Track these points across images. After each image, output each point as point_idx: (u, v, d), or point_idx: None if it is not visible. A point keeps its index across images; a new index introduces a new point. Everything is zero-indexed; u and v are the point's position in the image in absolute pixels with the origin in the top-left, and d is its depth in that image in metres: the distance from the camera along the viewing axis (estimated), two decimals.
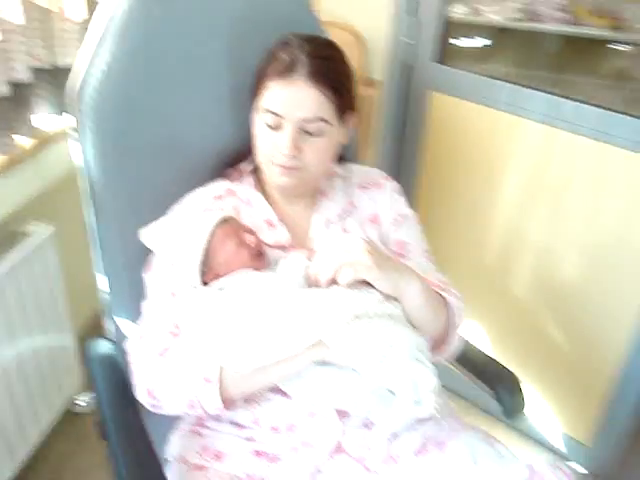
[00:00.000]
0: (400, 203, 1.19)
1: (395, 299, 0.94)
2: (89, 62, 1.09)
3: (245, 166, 1.17)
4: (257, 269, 0.97)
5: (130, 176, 1.14)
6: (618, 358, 1.67)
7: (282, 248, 1.08)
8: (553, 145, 1.63)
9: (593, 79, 2.22)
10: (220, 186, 1.13)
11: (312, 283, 0.93)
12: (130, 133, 1.12)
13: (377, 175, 1.22)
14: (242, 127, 1.20)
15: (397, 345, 0.88)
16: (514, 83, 1.66)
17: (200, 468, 0.99)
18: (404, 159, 1.96)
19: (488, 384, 1.17)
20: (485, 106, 1.71)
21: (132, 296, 1.16)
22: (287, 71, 0.99)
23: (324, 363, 0.91)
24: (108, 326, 1.24)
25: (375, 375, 0.87)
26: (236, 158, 1.19)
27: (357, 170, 1.21)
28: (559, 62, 2.27)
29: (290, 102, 0.99)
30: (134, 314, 1.17)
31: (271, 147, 1.03)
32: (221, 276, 0.97)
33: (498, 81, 1.68)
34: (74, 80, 1.10)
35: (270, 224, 1.10)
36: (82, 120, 1.10)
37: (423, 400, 0.88)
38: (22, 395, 1.53)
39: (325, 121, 1.01)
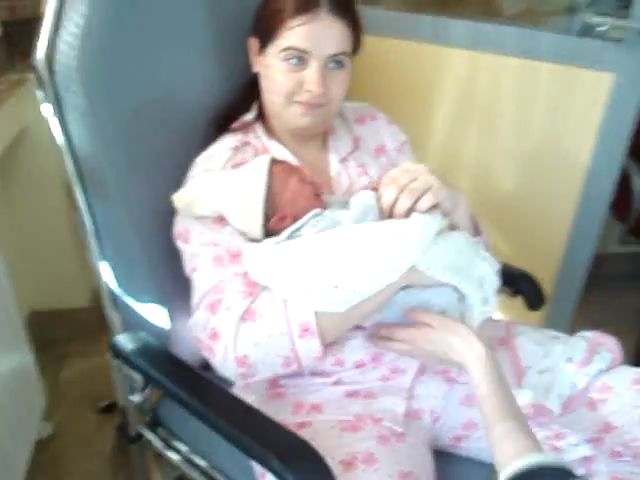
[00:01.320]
0: (397, 131, 1.22)
1: None
2: (57, 17, 0.95)
3: (247, 118, 1.11)
4: (321, 208, 0.94)
5: (129, 142, 1.02)
6: (557, 261, 1.85)
7: None
8: (479, 68, 1.73)
9: None
10: (230, 139, 1.07)
11: (386, 216, 0.92)
12: (121, 93, 1.00)
13: (368, 108, 1.23)
14: (231, 79, 1.15)
15: (467, 251, 0.93)
16: (436, 15, 1.72)
17: (302, 426, 0.95)
18: None
19: (508, 284, 1.25)
20: (409, 41, 1.77)
21: (155, 278, 1.08)
22: (310, 6, 0.96)
23: (406, 287, 0.92)
24: (115, 319, 1.12)
25: (453, 283, 0.91)
26: (230, 113, 1.13)
27: (347, 106, 1.21)
28: None
29: (316, 38, 0.97)
30: (160, 297, 1.09)
31: (294, 86, 0.99)
32: (288, 219, 0.92)
33: (421, 15, 1.73)
34: (43, 39, 0.95)
35: None
36: (60, 87, 0.96)
37: (489, 298, 0.94)
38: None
39: (347, 54, 1.01)
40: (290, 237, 0.90)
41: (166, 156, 1.07)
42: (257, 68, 1.06)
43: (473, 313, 0.95)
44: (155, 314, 1.10)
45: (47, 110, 0.99)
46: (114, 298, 1.11)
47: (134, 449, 1.27)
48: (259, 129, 1.09)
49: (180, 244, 1.00)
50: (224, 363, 0.89)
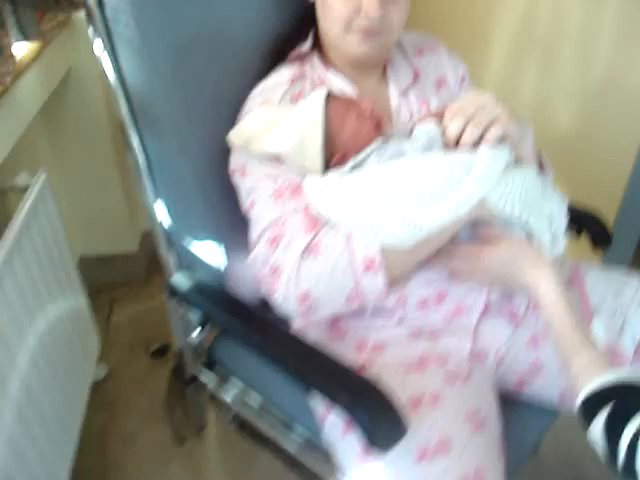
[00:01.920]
0: (457, 63, 1.17)
1: None
2: None
3: (303, 49, 1.06)
4: (384, 140, 0.89)
5: (183, 77, 0.99)
6: (618, 200, 1.77)
7: None
8: None
9: None
10: (287, 71, 1.02)
11: (452, 147, 0.87)
12: (174, 26, 0.96)
13: (428, 39, 1.16)
14: (285, 10, 1.09)
15: (536, 186, 0.88)
16: None
17: (366, 366, 0.93)
18: None
19: (572, 223, 1.20)
20: None
21: (212, 215, 1.05)
22: None
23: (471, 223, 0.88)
24: (170, 259, 1.11)
25: (523, 218, 0.87)
26: (286, 43, 1.08)
27: (406, 36, 1.15)
28: None
29: None
30: (217, 234, 1.06)
31: (351, 13, 0.94)
32: (349, 156, 0.88)
33: None
34: None
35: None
36: (111, 19, 0.93)
37: (559, 236, 0.90)
38: (50, 373, 1.32)
39: None
40: (353, 170, 0.87)
41: (219, 92, 1.03)
42: None
43: (542, 250, 0.91)
44: (211, 252, 1.08)
45: (98, 46, 0.96)
46: (168, 237, 1.10)
47: (189, 390, 1.27)
48: (315, 59, 1.04)
49: (237, 179, 0.97)
50: (286, 299, 0.87)
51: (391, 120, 1.05)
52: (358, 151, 0.87)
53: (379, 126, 0.90)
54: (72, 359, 1.45)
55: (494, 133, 0.85)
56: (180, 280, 1.05)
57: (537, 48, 1.70)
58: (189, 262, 1.10)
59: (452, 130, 0.86)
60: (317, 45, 1.06)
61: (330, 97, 0.89)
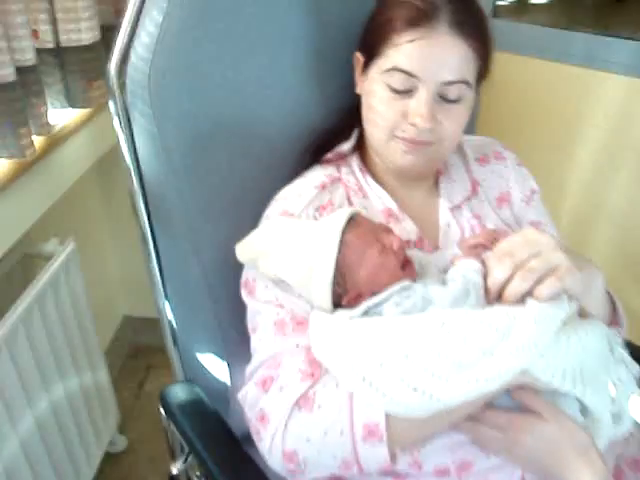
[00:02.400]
0: (526, 176, 1.00)
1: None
2: (131, 24, 0.84)
3: (343, 148, 0.94)
4: (411, 280, 0.74)
5: (201, 172, 0.89)
6: None
7: (408, 244, 0.86)
8: (638, 100, 1.44)
9: None
10: (320, 173, 0.90)
11: (494, 298, 0.71)
12: (195, 114, 0.86)
13: (494, 144, 1.02)
14: (330, 102, 0.98)
15: (599, 350, 0.70)
16: (590, 32, 1.45)
17: None
18: None
19: None
20: (553, 62, 1.51)
21: (220, 327, 0.93)
22: (426, 19, 0.76)
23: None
24: (177, 366, 1.00)
25: (576, 394, 0.70)
26: (326, 141, 0.95)
27: (468, 141, 1.00)
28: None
29: (430, 59, 0.77)
30: (224, 349, 0.94)
31: (396, 117, 0.81)
32: (364, 296, 0.73)
33: (570, 32, 1.47)
34: (117, 47, 0.85)
35: (390, 215, 0.88)
36: (129, 103, 0.85)
37: (624, 414, 0.73)
38: (61, 444, 1.27)
39: (467, 84, 0.80)
40: (367, 313, 0.72)
41: (245, 189, 0.92)
42: (360, 90, 0.89)
43: (600, 430, 0.72)
44: (216, 367, 0.95)
45: (117, 128, 0.88)
46: (175, 340, 0.99)
47: None
48: (355, 163, 0.92)
49: (244, 295, 0.85)
50: (271, 453, 0.73)
51: (437, 240, 0.90)
52: (377, 291, 0.73)
53: (407, 265, 0.75)
54: (86, 430, 1.38)
55: (548, 287, 0.68)
56: (175, 393, 0.93)
57: (632, 154, 1.49)
58: (193, 374, 0.98)
59: (496, 277, 0.70)
60: (360, 146, 0.93)
61: (354, 221, 0.75)
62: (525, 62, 1.52)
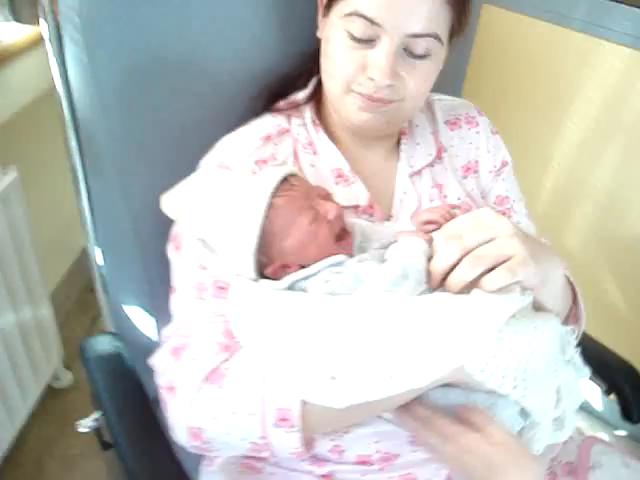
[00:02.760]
0: (499, 146, 0.91)
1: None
2: None
3: (298, 97, 0.84)
4: (346, 255, 0.66)
5: (136, 109, 0.80)
6: None
7: (356, 209, 0.78)
8: (637, 73, 1.34)
9: None
10: (268, 123, 0.81)
11: (436, 283, 0.64)
12: (133, 45, 0.77)
13: (467, 107, 0.92)
14: (290, 44, 0.89)
15: (548, 349, 0.64)
16: None
17: None
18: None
19: (604, 376, 0.93)
20: (551, 24, 1.39)
21: (148, 279, 0.86)
22: None
23: (446, 385, 0.65)
24: (107, 316, 0.93)
25: (514, 397, 0.63)
26: (281, 87, 0.86)
27: (439, 101, 0.91)
28: None
29: (396, 7, 0.67)
30: (150, 303, 0.87)
31: (354, 69, 0.72)
32: (292, 268, 0.66)
33: None
34: None
35: (340, 176, 0.79)
36: (62, 26, 0.75)
37: (566, 419, 0.69)
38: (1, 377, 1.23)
39: (437, 38, 0.71)
40: (292, 288, 0.64)
41: (186, 133, 0.84)
42: (320, 34, 0.79)
43: (537, 434, 0.67)
44: (143, 322, 0.89)
45: (49, 52, 0.78)
46: (105, 287, 0.92)
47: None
48: (308, 114, 0.83)
49: (170, 250, 0.77)
50: (175, 429, 0.67)
51: (391, 208, 0.82)
52: (305, 264, 0.65)
53: (343, 237, 0.67)
54: (23, 364, 1.35)
55: (497, 278, 0.61)
56: (96, 345, 0.86)
57: (623, 132, 1.40)
58: (120, 326, 0.92)
59: (440, 260, 0.63)
60: (317, 96, 0.84)
61: (288, 183, 0.67)
62: (520, 20, 1.41)
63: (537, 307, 0.69)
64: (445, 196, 0.84)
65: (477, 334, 0.59)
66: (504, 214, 0.88)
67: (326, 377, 0.59)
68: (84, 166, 0.85)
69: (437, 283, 0.63)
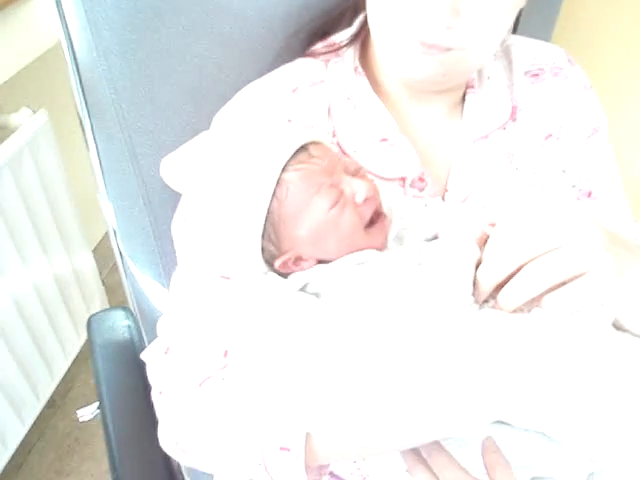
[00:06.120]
0: (592, 105, 0.72)
1: None
2: None
3: (339, 38, 0.68)
4: (377, 249, 0.52)
5: (143, 57, 0.66)
6: None
7: (402, 182, 0.63)
8: None
9: None
10: (300, 70, 0.66)
11: (483, 298, 0.49)
12: None
13: (557, 55, 0.73)
14: None
15: (617, 386, 0.49)
16: None
17: None
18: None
19: None
20: None
21: (160, 251, 0.76)
22: None
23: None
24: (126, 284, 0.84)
25: (576, 440, 0.49)
26: (322, 25, 0.70)
27: (519, 46, 0.72)
28: None
29: None
30: (164, 275, 0.77)
31: (406, 11, 0.55)
32: (307, 262, 0.52)
33: None
34: None
35: (385, 139, 0.64)
36: None
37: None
38: (43, 326, 1.23)
39: None
40: (304, 289, 0.51)
41: (204, 80, 0.70)
42: None
43: None
44: (155, 295, 0.79)
45: None
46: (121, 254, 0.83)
47: None
48: (349, 60, 0.67)
49: (177, 221, 0.66)
50: (162, 433, 0.59)
51: (446, 181, 0.66)
52: (324, 260, 0.51)
53: (376, 226, 0.52)
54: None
55: (566, 300, 0.46)
56: (103, 322, 0.77)
57: None
58: (135, 298, 0.82)
59: (492, 269, 0.48)
60: (362, 38, 0.68)
61: (307, 153, 0.52)
62: None
63: (618, 326, 0.54)
64: (517, 169, 0.68)
65: (526, 367, 0.45)
66: (589, 196, 0.71)
67: (340, 404, 0.46)
68: (92, 120, 0.74)
69: (484, 297, 0.49)
